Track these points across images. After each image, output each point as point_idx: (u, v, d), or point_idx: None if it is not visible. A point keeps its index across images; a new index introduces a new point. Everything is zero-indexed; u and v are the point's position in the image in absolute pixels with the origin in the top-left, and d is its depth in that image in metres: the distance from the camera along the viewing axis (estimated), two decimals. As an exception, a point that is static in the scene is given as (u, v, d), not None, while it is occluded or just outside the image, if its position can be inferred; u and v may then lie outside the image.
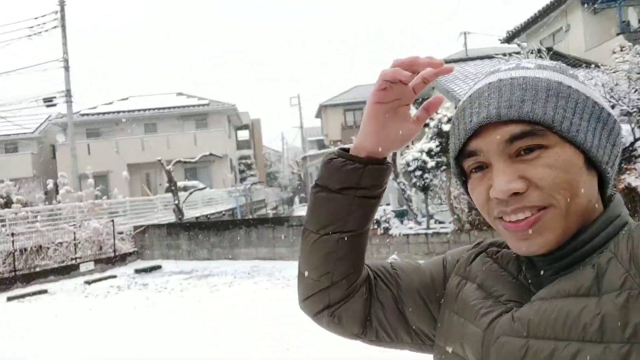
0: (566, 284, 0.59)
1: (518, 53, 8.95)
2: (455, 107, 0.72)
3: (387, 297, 0.79)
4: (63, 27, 17.21)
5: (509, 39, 16.47)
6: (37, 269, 10.40)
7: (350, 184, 0.73)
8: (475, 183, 0.65)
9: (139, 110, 26.74)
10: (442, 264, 0.81)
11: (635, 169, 6.85)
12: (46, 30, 17.25)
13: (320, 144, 35.53)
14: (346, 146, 0.77)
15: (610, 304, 0.54)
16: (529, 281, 0.66)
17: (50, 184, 14.53)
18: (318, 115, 37.44)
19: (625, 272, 0.55)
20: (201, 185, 18.97)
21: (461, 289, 0.74)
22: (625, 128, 7.33)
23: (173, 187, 14.04)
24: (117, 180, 20.94)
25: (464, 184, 0.70)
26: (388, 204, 11.66)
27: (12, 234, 10.32)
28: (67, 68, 17.32)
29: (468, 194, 0.69)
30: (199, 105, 27.40)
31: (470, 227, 8.48)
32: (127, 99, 29.14)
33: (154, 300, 7.86)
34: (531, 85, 0.60)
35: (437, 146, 9.10)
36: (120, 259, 11.92)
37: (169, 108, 26.94)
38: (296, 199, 36.83)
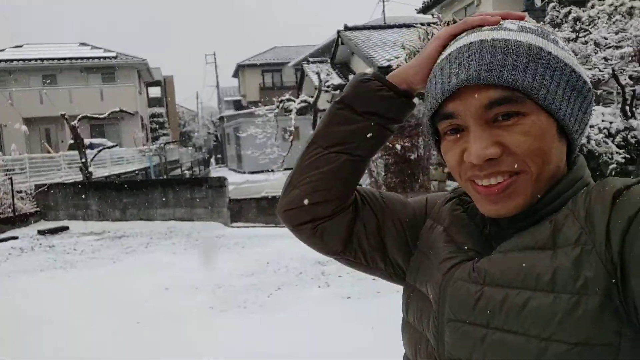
0: (525, 238, 0.61)
1: (435, 23, 9.32)
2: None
3: (372, 222, 0.81)
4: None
5: (425, 9, 17.01)
6: None
7: (376, 110, 0.74)
8: (449, 145, 0.65)
9: (36, 60, 24.35)
10: (424, 204, 0.83)
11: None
12: None
13: (237, 105, 34.81)
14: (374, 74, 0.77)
15: (564, 257, 0.56)
16: (492, 237, 0.67)
17: None
18: (235, 75, 36.50)
19: (581, 229, 0.57)
20: (110, 143, 17.92)
21: (432, 231, 0.77)
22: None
23: (79, 144, 13.15)
24: (12, 136, 19.14)
25: (437, 143, 0.70)
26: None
27: None
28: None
29: (440, 153, 0.70)
30: (105, 58, 25.46)
31: (386, 189, 8.92)
32: (21, 46, 26.32)
33: (62, 261, 7.44)
34: (513, 50, 0.59)
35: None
36: (21, 219, 11.05)
37: (71, 59, 24.78)
38: (212, 160, 36.03)
